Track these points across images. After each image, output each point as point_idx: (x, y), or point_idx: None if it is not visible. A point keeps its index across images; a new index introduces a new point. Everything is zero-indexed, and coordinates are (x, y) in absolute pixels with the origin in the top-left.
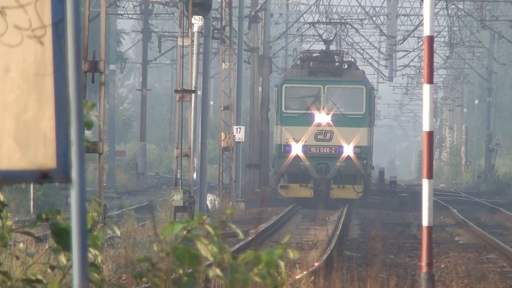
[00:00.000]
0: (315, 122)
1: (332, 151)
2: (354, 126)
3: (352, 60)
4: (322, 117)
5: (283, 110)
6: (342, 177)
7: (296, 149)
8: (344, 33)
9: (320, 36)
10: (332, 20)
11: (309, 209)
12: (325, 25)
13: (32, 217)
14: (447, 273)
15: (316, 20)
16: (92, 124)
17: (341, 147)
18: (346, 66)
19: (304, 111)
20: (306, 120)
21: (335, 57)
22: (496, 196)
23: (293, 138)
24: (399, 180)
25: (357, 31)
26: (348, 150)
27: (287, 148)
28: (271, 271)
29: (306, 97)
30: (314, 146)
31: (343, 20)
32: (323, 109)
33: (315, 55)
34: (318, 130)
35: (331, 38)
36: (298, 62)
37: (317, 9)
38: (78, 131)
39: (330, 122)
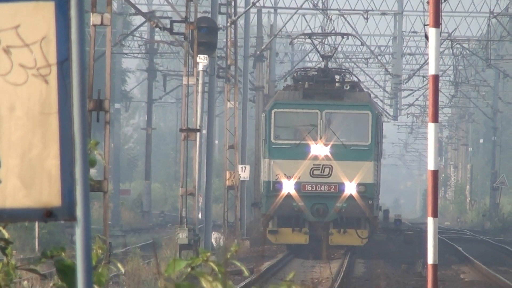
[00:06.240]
0: (310, 154)
1: (331, 189)
2: (357, 160)
3: (356, 80)
4: (319, 149)
5: (272, 140)
6: (344, 220)
7: (288, 187)
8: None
9: (318, 50)
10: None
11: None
12: (324, 37)
13: (37, 255)
14: None
15: (323, 58)
16: (95, 162)
17: (342, 184)
18: (348, 87)
19: (297, 142)
20: (299, 152)
21: (336, 76)
22: (501, 234)
23: (284, 174)
24: (404, 219)
25: (361, 68)
26: (350, 188)
27: (277, 185)
28: None
29: (300, 124)
30: (310, 184)
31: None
32: (321, 139)
33: (311, 73)
34: (314, 165)
35: (330, 54)
36: (291, 82)
37: (322, 48)
38: (83, 170)
39: (329, 154)
